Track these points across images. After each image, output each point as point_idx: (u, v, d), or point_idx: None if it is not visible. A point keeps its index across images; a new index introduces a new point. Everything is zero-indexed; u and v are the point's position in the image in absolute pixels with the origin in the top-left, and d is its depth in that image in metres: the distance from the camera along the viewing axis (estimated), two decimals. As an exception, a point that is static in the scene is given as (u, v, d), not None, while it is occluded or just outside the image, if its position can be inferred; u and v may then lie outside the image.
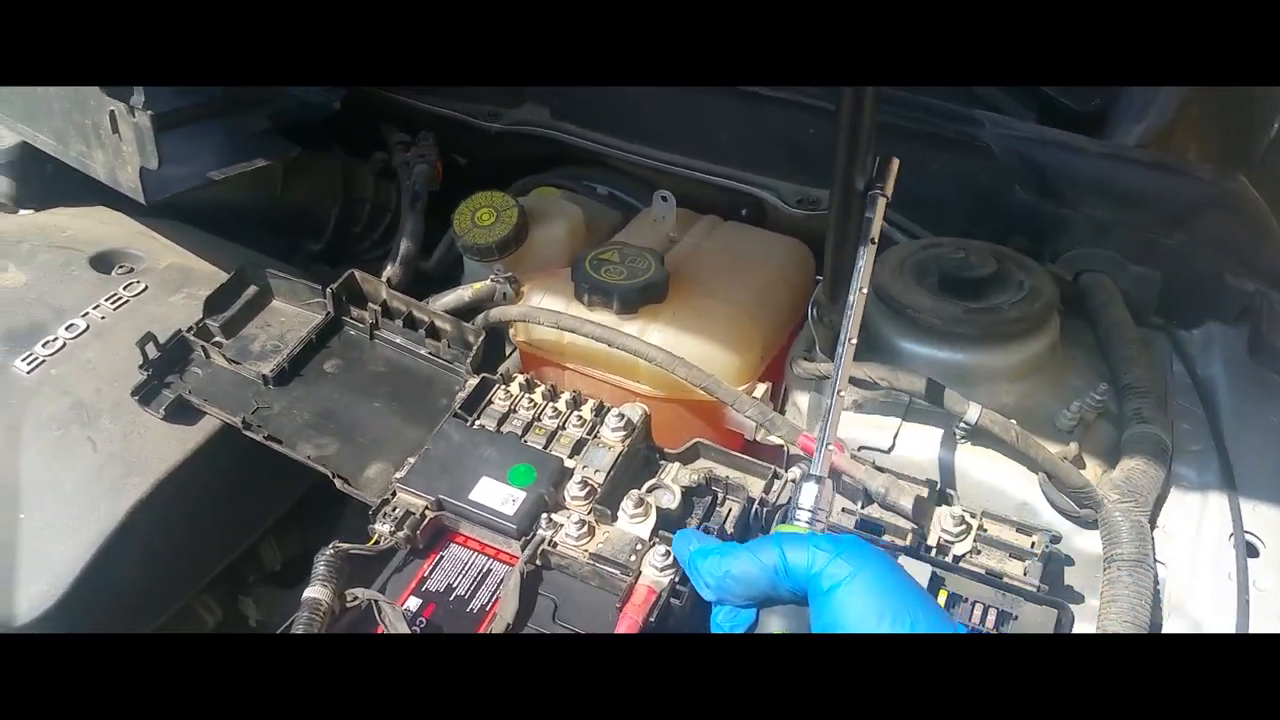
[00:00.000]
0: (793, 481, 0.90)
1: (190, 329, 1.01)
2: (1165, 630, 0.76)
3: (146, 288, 1.11)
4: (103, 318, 1.06)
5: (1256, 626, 0.73)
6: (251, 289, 1.08)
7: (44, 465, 0.95)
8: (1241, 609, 0.75)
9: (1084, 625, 0.78)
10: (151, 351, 0.98)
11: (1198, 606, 0.76)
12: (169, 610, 1.00)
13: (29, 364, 1.01)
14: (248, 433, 0.95)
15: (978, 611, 0.75)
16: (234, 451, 0.98)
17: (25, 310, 1.06)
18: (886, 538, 0.81)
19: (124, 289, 1.10)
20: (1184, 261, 1.01)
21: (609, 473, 0.88)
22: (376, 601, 0.80)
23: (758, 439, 0.99)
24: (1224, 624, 0.74)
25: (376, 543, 0.86)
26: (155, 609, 0.99)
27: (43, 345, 1.02)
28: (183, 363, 1.01)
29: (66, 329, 1.04)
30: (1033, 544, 0.79)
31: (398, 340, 1.04)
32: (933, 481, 0.84)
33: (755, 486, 0.90)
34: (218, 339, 1.03)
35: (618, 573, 0.81)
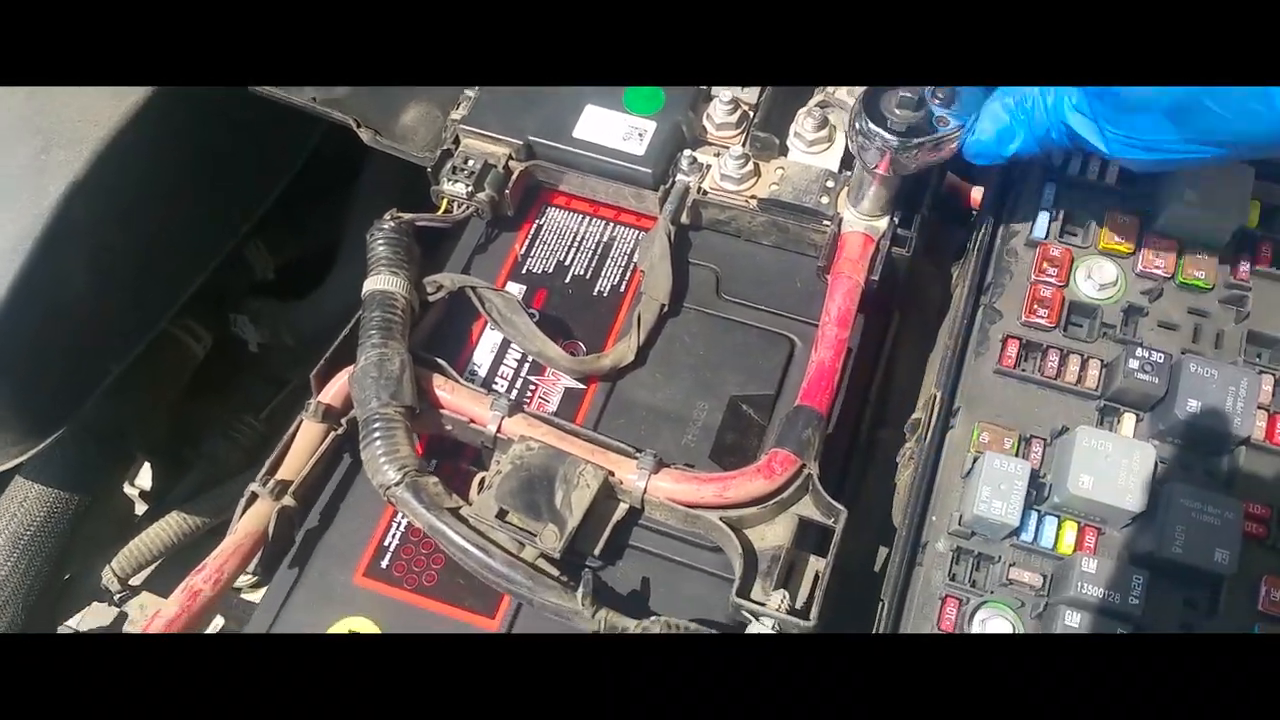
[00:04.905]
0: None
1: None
2: None
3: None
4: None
5: None
6: None
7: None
8: None
9: None
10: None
11: None
12: (144, 338, 0.73)
13: None
14: (215, 71, 0.64)
15: None
16: (198, 105, 0.68)
17: None
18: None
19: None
20: None
21: (764, 87, 0.61)
22: (474, 289, 0.55)
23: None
24: None
25: (449, 209, 0.59)
26: (123, 338, 0.72)
27: None
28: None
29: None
30: None
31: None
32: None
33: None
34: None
35: (809, 221, 0.57)
